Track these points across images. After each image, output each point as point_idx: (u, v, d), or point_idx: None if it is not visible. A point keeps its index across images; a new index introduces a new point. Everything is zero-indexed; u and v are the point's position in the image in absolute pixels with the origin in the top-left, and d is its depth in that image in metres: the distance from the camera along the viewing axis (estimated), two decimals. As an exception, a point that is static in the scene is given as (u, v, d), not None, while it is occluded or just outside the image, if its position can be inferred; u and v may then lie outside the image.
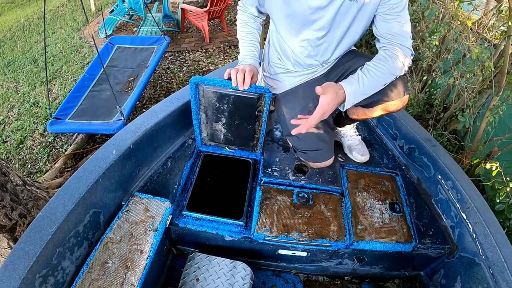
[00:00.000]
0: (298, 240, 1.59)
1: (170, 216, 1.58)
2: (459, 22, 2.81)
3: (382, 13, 1.47)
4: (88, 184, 1.43)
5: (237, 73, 1.54)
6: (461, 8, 2.85)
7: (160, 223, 1.51)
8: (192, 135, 2.06)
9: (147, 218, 1.52)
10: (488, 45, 2.77)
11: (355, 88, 1.47)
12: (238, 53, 5.28)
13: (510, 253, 1.46)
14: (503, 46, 2.44)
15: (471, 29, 2.78)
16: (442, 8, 3.16)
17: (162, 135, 1.87)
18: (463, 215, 1.66)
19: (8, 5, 12.68)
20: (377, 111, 1.66)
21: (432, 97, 3.48)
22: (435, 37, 2.92)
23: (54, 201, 1.36)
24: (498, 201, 1.99)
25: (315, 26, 1.54)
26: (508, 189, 1.94)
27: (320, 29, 1.55)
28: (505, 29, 2.27)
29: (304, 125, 1.47)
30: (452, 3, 2.83)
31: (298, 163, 1.96)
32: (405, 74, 1.57)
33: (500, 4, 2.53)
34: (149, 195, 1.63)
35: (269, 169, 1.88)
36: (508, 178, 1.96)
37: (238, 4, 1.77)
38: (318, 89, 1.43)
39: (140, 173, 1.75)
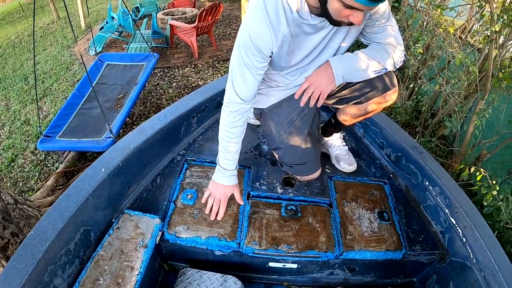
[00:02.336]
0: (288, 253, 1.59)
1: (160, 233, 1.59)
2: (441, 30, 2.86)
3: (370, 26, 1.50)
4: (78, 203, 1.44)
5: (213, 202, 1.69)
6: (443, 15, 2.91)
7: (150, 239, 1.51)
8: (181, 151, 2.07)
9: (137, 235, 1.53)
10: (472, 50, 2.83)
11: (342, 59, 1.50)
12: (227, 68, 5.30)
13: (501, 255, 1.47)
14: (487, 50, 2.49)
15: (454, 35, 2.84)
16: (426, 16, 3.22)
17: (151, 152, 1.88)
18: (452, 220, 1.67)
19: None
20: (370, 105, 1.64)
21: (420, 104, 3.54)
22: (419, 45, 2.97)
23: (45, 220, 1.37)
24: (485, 204, 2.02)
25: (308, 57, 1.56)
26: (494, 192, 1.96)
27: (311, 58, 1.57)
28: (488, 34, 2.32)
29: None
30: (434, 11, 2.89)
31: (286, 176, 1.97)
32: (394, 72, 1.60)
33: (483, 9, 2.58)
34: (139, 212, 1.63)
35: (257, 183, 1.90)
36: (494, 182, 1.98)
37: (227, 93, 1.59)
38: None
39: (129, 190, 1.76)
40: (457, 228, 1.64)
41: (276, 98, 1.80)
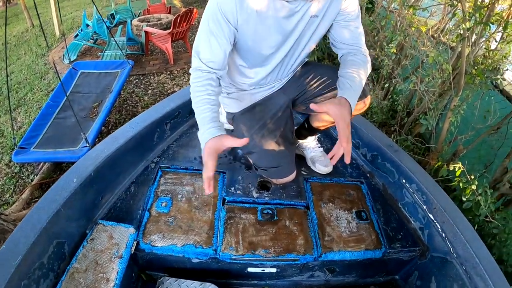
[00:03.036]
0: (265, 257, 1.58)
1: (135, 242, 1.56)
2: (413, 29, 2.91)
3: (340, 20, 1.52)
4: (50, 214, 1.41)
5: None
6: (415, 15, 2.96)
7: (125, 249, 1.49)
8: (155, 158, 2.05)
9: (111, 246, 1.50)
10: (445, 49, 2.87)
11: (352, 93, 1.47)
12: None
13: (480, 247, 1.50)
14: (460, 48, 2.54)
15: (426, 34, 2.88)
16: (399, 16, 3.26)
17: (124, 160, 1.85)
18: (431, 216, 1.69)
19: None
20: None
21: (395, 103, 3.59)
22: (392, 45, 3.01)
23: (17, 233, 1.34)
24: (464, 199, 2.04)
25: (280, 52, 1.57)
26: (473, 186, 1.99)
27: (283, 53, 1.57)
28: (461, 32, 2.37)
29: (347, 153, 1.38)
30: (407, 11, 2.93)
31: (261, 179, 1.97)
32: None
33: (455, 8, 2.62)
34: (113, 222, 1.61)
35: (232, 188, 1.89)
36: (472, 177, 2.00)
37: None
38: (314, 106, 1.39)
39: (103, 200, 1.73)
40: (436, 223, 1.66)
41: (248, 102, 1.81)
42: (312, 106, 1.39)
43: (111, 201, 1.77)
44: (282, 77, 1.75)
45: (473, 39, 2.46)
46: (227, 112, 1.93)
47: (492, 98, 2.66)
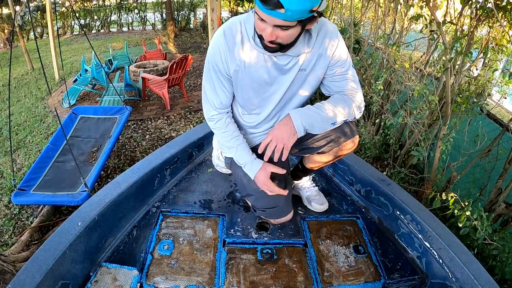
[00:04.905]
0: None
1: (139, 284, 1.61)
2: (397, 66, 3.01)
3: (330, 75, 1.62)
4: (55, 256, 1.46)
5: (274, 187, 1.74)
6: (398, 52, 3.05)
7: (129, 292, 1.54)
8: (156, 203, 2.12)
9: (115, 287, 1.55)
10: (431, 80, 2.99)
11: (301, 111, 1.60)
12: (198, 118, 5.35)
13: (478, 269, 1.53)
14: (444, 78, 2.62)
15: (412, 68, 2.99)
16: (384, 54, 3.40)
17: (126, 205, 1.92)
18: (426, 243, 1.74)
19: None
20: (331, 155, 1.78)
21: (387, 137, 3.67)
22: (379, 82, 3.10)
23: (23, 273, 1.38)
24: (461, 225, 2.07)
25: (271, 101, 1.70)
26: (468, 213, 2.03)
27: (274, 103, 1.71)
28: (443, 63, 2.44)
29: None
30: (390, 49, 3.06)
31: (260, 221, 2.03)
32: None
33: (437, 40, 2.73)
34: (116, 265, 1.66)
35: (232, 230, 1.94)
36: (466, 203, 2.05)
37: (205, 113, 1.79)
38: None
39: (106, 243, 1.78)
40: (432, 250, 1.71)
41: None
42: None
43: (114, 244, 1.83)
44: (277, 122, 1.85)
45: (456, 68, 2.58)
46: (225, 157, 2.01)
47: (480, 122, 2.73)
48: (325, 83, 1.69)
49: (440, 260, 1.66)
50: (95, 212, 1.71)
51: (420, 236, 1.79)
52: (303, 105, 1.74)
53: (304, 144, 1.81)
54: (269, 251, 1.84)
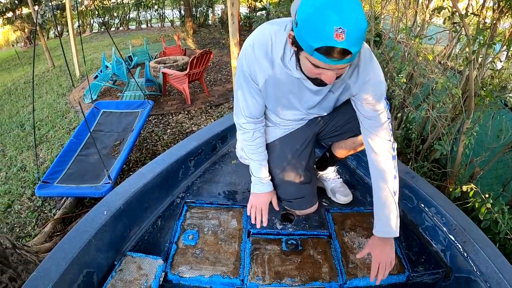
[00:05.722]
0: (291, 285, 1.61)
1: (164, 273, 1.61)
2: (420, 58, 2.96)
3: (359, 100, 1.56)
4: (81, 244, 1.47)
5: (255, 212, 1.87)
6: (421, 44, 3.00)
7: (154, 280, 1.54)
8: (180, 194, 2.13)
9: (140, 276, 1.56)
10: (454, 74, 2.91)
11: (397, 221, 1.61)
12: (219, 113, 5.36)
13: (503, 263, 1.50)
14: (467, 72, 2.57)
15: (433, 61, 2.93)
16: (406, 47, 3.34)
17: (151, 196, 1.93)
18: (451, 237, 1.70)
19: None
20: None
21: (409, 131, 3.58)
22: (402, 75, 3.05)
23: (48, 261, 1.39)
24: (481, 218, 2.03)
25: (299, 114, 1.73)
26: (488, 205, 1.99)
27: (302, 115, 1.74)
28: (467, 56, 2.40)
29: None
30: (413, 41, 2.99)
31: (284, 212, 2.01)
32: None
33: (459, 33, 2.68)
34: (141, 254, 1.67)
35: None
36: (487, 196, 2.01)
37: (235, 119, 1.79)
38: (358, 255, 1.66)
39: (131, 233, 1.80)
40: (457, 244, 1.67)
41: (272, 136, 1.89)
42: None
43: (138, 234, 1.84)
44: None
45: (479, 61, 2.50)
46: None
47: (504, 116, 2.67)
48: (356, 106, 1.62)
49: (465, 254, 1.62)
50: (120, 202, 1.73)
51: (444, 229, 1.75)
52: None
53: (338, 130, 1.82)
54: (294, 242, 1.83)
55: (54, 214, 3.48)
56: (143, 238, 1.83)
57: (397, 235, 1.58)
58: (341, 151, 1.95)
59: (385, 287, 1.72)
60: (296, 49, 1.28)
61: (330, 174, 2.17)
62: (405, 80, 3.11)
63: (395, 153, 1.61)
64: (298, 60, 1.34)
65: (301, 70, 1.37)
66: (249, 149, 1.82)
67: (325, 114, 1.77)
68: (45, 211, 3.63)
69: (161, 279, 1.59)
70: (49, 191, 3.31)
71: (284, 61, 1.44)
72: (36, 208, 3.71)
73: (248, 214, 1.91)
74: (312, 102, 1.62)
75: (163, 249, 1.77)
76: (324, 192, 2.20)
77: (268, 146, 1.91)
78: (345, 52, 1.11)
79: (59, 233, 3.17)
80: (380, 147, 1.58)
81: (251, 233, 1.88)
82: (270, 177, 1.90)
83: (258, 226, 1.85)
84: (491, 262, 1.50)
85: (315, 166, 2.20)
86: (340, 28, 1.05)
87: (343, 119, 1.77)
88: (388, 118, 1.57)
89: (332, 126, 1.84)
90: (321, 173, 2.20)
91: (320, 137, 1.95)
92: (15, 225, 3.52)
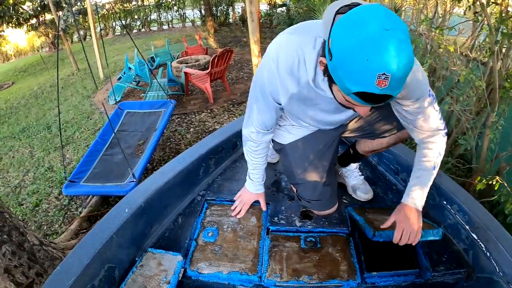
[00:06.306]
0: (309, 283, 1.60)
1: (183, 269, 1.64)
2: (441, 50, 2.88)
3: (400, 109, 1.48)
4: (103, 241, 1.50)
5: (238, 204, 1.98)
6: (442, 36, 2.91)
7: (173, 275, 1.56)
8: (201, 192, 2.15)
9: (160, 272, 1.58)
10: (477, 65, 2.82)
11: (424, 197, 1.59)
12: (241, 111, 5.37)
13: None
14: (491, 63, 2.50)
15: (456, 53, 2.84)
16: (427, 39, 3.27)
17: (172, 193, 1.95)
18: (474, 235, 1.65)
19: (21, 74, 13.49)
20: (392, 139, 1.76)
21: None
22: (424, 68, 2.92)
23: (71, 256, 1.43)
24: (507, 212, 1.98)
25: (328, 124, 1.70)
26: None
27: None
28: (489, 46, 2.34)
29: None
30: (434, 33, 2.93)
31: (304, 209, 2.01)
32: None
33: (482, 23, 2.60)
34: (161, 250, 1.70)
35: (276, 218, 1.94)
36: None
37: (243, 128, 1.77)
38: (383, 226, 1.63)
39: (152, 229, 1.83)
40: (480, 243, 1.61)
41: (295, 136, 1.85)
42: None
43: (159, 231, 1.87)
44: None
45: (503, 52, 2.44)
46: (275, 142, 1.96)
47: None
48: (398, 112, 1.52)
49: (488, 253, 1.57)
50: (142, 200, 1.75)
51: (467, 227, 1.70)
52: None
53: (367, 130, 1.79)
54: (313, 240, 1.82)
55: (80, 212, 3.56)
56: (163, 235, 1.86)
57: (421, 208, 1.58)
58: (366, 150, 1.93)
59: (403, 286, 1.69)
60: (327, 78, 1.16)
61: (352, 171, 2.14)
62: (427, 73, 3.02)
63: (445, 129, 1.53)
64: (330, 87, 1.21)
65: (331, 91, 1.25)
66: (250, 156, 1.84)
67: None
68: (72, 210, 3.73)
69: (180, 275, 1.61)
70: (76, 190, 3.41)
71: (316, 82, 1.34)
72: (63, 206, 3.81)
73: (235, 198, 2.02)
74: (345, 116, 1.60)
75: (183, 245, 1.79)
76: (345, 189, 2.17)
77: (290, 145, 1.88)
78: (386, 97, 1.00)
79: (84, 230, 3.25)
80: (428, 135, 1.52)
81: (270, 230, 1.89)
82: (264, 181, 1.97)
83: (233, 214, 1.95)
84: None
85: (337, 162, 2.16)
86: (384, 74, 0.93)
87: (371, 121, 1.73)
88: (436, 110, 1.45)
89: (359, 128, 1.81)
90: (343, 169, 2.17)
91: (345, 136, 1.93)
92: (43, 223, 3.63)
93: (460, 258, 1.72)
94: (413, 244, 1.54)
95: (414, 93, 1.35)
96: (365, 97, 1.00)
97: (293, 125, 1.83)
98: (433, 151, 1.53)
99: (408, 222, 1.54)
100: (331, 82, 1.13)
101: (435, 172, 1.57)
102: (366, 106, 1.14)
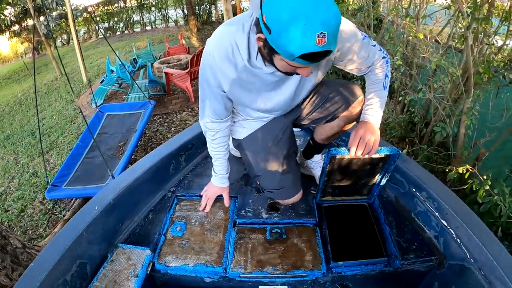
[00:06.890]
0: (273, 274, 1.64)
1: (151, 263, 1.69)
2: (410, 37, 2.88)
3: (344, 62, 1.59)
4: (73, 237, 1.54)
5: (204, 198, 2.02)
6: (413, 24, 2.94)
7: (141, 269, 1.62)
8: (171, 188, 2.19)
9: (129, 266, 1.63)
10: (455, 53, 2.74)
11: (378, 114, 1.65)
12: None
13: (498, 250, 1.43)
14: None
15: (428, 40, 2.84)
16: (398, 27, 3.27)
17: (143, 190, 2.00)
18: (444, 222, 1.66)
19: (5, 81, 13.45)
20: (341, 121, 1.82)
21: (413, 115, 3.53)
22: (397, 57, 3.00)
23: (44, 253, 1.48)
24: (480, 201, 1.97)
25: (278, 102, 1.71)
26: (486, 187, 1.94)
27: (279, 106, 1.74)
28: (462, 32, 2.34)
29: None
30: (404, 21, 2.95)
31: (271, 201, 2.05)
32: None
33: (457, 10, 2.52)
34: (131, 245, 1.74)
35: (243, 211, 1.98)
36: (485, 177, 1.96)
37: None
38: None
39: (123, 226, 1.87)
40: (450, 229, 1.62)
41: (250, 128, 1.92)
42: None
43: (130, 227, 1.91)
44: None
45: (479, 38, 2.42)
46: (233, 139, 2.05)
47: (508, 94, 2.57)
48: (342, 67, 1.64)
49: (458, 240, 1.57)
50: (111, 197, 1.79)
51: (437, 214, 1.70)
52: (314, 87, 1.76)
53: (312, 117, 1.86)
54: (278, 231, 1.85)
55: (64, 215, 3.62)
56: (135, 231, 1.90)
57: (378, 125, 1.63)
58: (322, 138, 1.99)
59: (373, 276, 1.71)
60: (267, 51, 1.25)
61: (317, 162, 2.19)
62: (400, 62, 3.05)
63: (387, 56, 1.66)
64: (265, 57, 1.33)
65: (271, 64, 1.34)
66: (210, 147, 1.89)
67: (305, 97, 1.78)
68: (56, 213, 3.78)
69: (149, 268, 1.66)
70: (58, 193, 3.47)
71: (251, 62, 1.43)
72: (47, 210, 3.86)
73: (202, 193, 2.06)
74: (290, 89, 1.63)
75: (152, 240, 1.84)
76: (313, 181, 2.20)
77: (246, 139, 1.94)
78: (326, 53, 1.10)
79: (68, 233, 3.30)
80: (374, 65, 1.65)
81: (237, 223, 1.93)
82: (227, 175, 2.00)
83: (201, 209, 2.00)
84: (485, 248, 1.44)
85: (301, 154, 2.24)
86: (321, 33, 1.03)
87: (316, 104, 1.81)
88: (374, 45, 1.58)
89: (310, 113, 1.87)
90: (308, 161, 2.22)
91: (298, 122, 1.98)
92: (28, 228, 3.67)
93: (431, 246, 1.73)
94: (370, 155, 1.60)
95: (351, 40, 1.47)
96: (308, 57, 1.10)
97: (246, 119, 1.90)
98: (380, 74, 1.65)
99: (365, 132, 1.58)
100: (272, 53, 1.23)
101: (386, 92, 1.65)
102: (309, 67, 1.24)
